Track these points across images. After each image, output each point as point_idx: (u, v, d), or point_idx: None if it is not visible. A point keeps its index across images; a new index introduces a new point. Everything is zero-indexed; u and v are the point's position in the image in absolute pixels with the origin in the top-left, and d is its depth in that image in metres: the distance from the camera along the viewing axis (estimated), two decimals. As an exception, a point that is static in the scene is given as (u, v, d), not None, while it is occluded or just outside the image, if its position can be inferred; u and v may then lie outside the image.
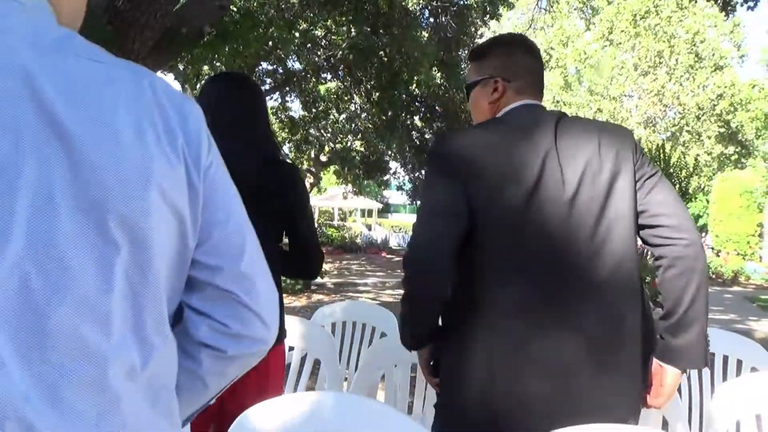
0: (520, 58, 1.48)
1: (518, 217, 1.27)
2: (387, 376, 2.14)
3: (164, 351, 0.62)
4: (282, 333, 1.77)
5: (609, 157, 1.30)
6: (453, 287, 1.32)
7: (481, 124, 1.49)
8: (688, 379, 2.66)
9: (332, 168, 23.46)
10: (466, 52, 14.59)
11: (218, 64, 5.27)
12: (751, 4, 7.97)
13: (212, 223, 0.67)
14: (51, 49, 0.59)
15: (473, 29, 12.83)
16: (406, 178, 18.32)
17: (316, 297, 9.41)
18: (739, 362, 2.62)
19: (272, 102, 15.21)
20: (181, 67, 5.40)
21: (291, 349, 2.34)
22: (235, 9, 4.94)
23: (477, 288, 1.30)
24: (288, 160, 2.00)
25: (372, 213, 36.94)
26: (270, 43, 7.74)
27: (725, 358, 2.66)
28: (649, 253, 1.44)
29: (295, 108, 16.92)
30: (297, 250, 1.80)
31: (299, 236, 1.79)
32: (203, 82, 1.85)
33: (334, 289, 10.92)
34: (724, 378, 2.64)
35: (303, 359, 2.37)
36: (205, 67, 6.20)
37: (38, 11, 0.62)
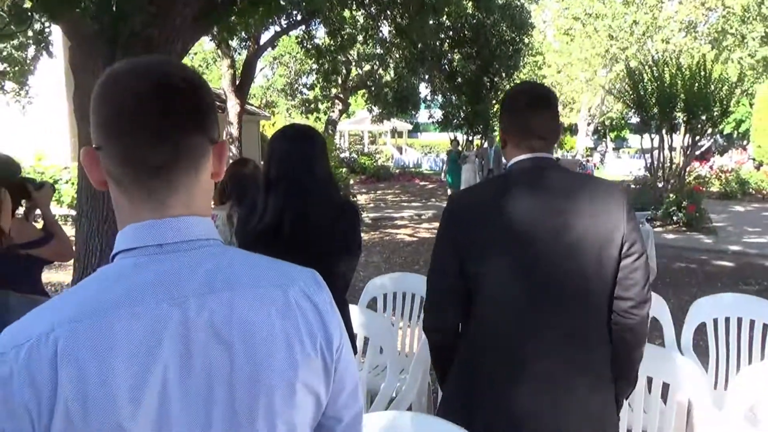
0: (521, 113, 1.57)
1: (504, 272, 1.47)
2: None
3: None
4: (353, 349, 2.05)
5: (599, 221, 1.44)
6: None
7: (489, 180, 1.76)
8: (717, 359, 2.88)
9: (361, 92, 23.30)
10: (496, -27, 13.96)
11: (251, 24, 5.32)
12: None
13: (340, 390, 0.88)
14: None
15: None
16: (437, 104, 18.14)
17: (355, 235, 9.73)
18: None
19: (297, 31, 15.02)
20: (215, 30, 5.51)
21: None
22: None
23: (475, 324, 1.54)
24: (347, 200, 2.17)
25: (402, 134, 36.67)
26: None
27: (752, 323, 2.87)
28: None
29: (321, 35, 16.65)
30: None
31: (352, 271, 2.06)
32: (273, 135, 2.01)
33: (373, 225, 11.24)
34: (751, 342, 2.85)
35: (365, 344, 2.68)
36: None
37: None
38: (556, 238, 1.44)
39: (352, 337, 2.05)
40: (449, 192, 14.13)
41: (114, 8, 3.87)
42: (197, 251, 0.77)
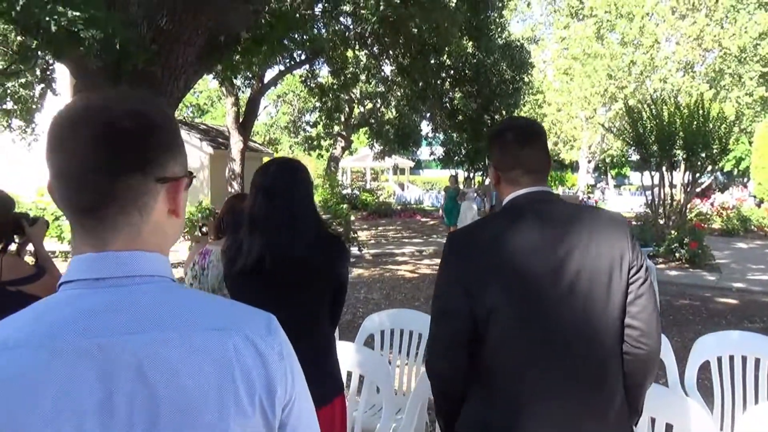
0: (511, 149, 1.55)
1: (511, 311, 1.42)
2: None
3: None
4: (340, 385, 1.99)
5: (604, 250, 1.42)
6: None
7: (488, 217, 1.70)
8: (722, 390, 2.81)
9: (363, 130, 23.56)
10: (495, 14, 14.29)
11: (255, 63, 5.41)
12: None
13: None
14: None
15: (502, -11, 12.51)
16: (438, 141, 18.31)
17: (356, 271, 9.69)
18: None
19: (301, 70, 15.29)
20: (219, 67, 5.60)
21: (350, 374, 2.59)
22: (267, 12, 5.03)
23: (483, 366, 1.47)
24: (333, 233, 2.14)
25: (404, 171, 36.93)
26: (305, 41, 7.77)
27: (757, 361, 2.80)
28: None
29: (324, 74, 16.93)
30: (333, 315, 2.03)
31: (339, 306, 2.03)
32: (257, 170, 2.00)
33: (373, 261, 11.19)
34: (757, 381, 2.78)
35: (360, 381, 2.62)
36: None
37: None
38: (563, 272, 1.41)
39: (338, 378, 1.99)
40: (448, 230, 14.12)
41: (117, 46, 3.94)
42: (137, 287, 0.74)
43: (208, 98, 29.94)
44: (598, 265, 1.41)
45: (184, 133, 17.59)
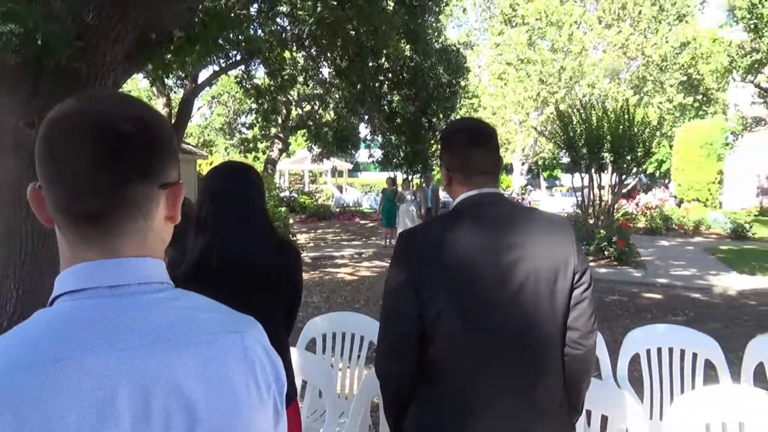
0: (461, 150, 1.56)
1: (458, 312, 1.43)
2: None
3: None
4: (294, 390, 1.95)
5: (551, 253, 1.45)
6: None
7: (438, 218, 1.75)
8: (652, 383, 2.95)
9: (301, 132, 23.32)
10: (432, 18, 14.49)
11: (188, 62, 5.24)
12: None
13: None
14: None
15: (438, -6, 12.70)
16: (377, 144, 18.36)
17: (295, 274, 9.57)
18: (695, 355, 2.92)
19: (236, 71, 14.97)
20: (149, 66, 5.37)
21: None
22: (201, 11, 4.88)
23: (431, 366, 1.48)
24: (286, 239, 2.09)
25: (342, 173, 36.85)
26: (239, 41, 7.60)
27: (682, 352, 2.96)
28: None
29: (260, 75, 16.65)
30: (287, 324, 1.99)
31: (293, 313, 1.99)
32: (206, 173, 1.93)
33: (313, 265, 11.08)
34: (682, 371, 2.94)
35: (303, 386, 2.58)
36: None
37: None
38: (510, 273, 1.42)
39: (292, 384, 1.95)
40: (385, 232, 14.13)
41: (39, 42, 3.71)
42: (151, 295, 0.73)
43: (138, 98, 28.85)
44: (544, 268, 1.43)
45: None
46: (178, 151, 0.82)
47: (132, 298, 0.71)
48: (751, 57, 15.03)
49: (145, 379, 0.66)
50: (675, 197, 24.27)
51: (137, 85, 27.05)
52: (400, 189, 13.53)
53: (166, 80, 11.67)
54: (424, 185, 14.80)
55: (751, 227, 15.54)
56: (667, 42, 25.51)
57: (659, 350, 2.97)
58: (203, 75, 14.47)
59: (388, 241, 13.86)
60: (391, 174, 18.02)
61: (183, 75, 12.58)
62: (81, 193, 0.70)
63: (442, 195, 14.52)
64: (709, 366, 2.87)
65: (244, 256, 1.75)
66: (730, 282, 9.31)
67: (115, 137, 0.70)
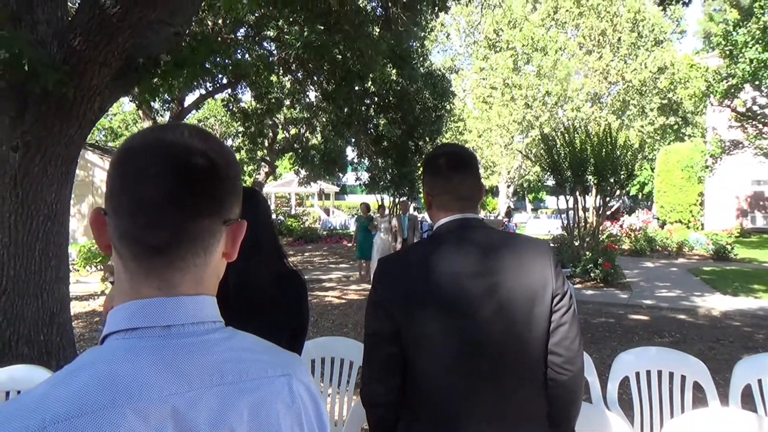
0: (442, 174, 1.57)
1: (438, 335, 1.43)
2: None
3: None
4: None
5: (527, 278, 1.45)
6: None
7: (417, 242, 1.71)
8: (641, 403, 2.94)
9: (288, 155, 23.33)
10: (417, 44, 14.71)
11: (175, 86, 5.23)
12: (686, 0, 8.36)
13: None
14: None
15: (423, 20, 12.91)
16: (364, 167, 18.44)
17: (282, 298, 9.47)
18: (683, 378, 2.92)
19: (223, 94, 15.02)
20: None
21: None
22: (189, 36, 4.91)
23: (413, 389, 1.47)
24: (293, 269, 2.03)
25: (329, 196, 36.85)
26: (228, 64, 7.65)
27: (671, 375, 2.96)
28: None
29: (247, 99, 16.70)
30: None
31: (298, 343, 1.93)
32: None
33: (299, 288, 10.98)
34: (671, 393, 2.94)
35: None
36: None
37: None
38: (487, 298, 1.42)
39: None
40: (359, 264, 12.57)
41: (25, 67, 3.70)
42: (207, 336, 0.72)
43: (123, 121, 28.69)
44: (520, 293, 1.43)
45: (96, 159, 16.73)
46: (241, 187, 0.82)
47: (184, 340, 0.70)
48: (727, 82, 15.39)
49: (196, 423, 0.66)
50: (658, 219, 24.56)
51: (121, 109, 26.94)
52: (375, 215, 12.70)
53: (152, 104, 11.65)
54: (400, 212, 13.57)
55: (732, 248, 15.74)
56: (645, 67, 26.10)
57: (648, 373, 2.97)
58: (190, 98, 14.52)
59: (362, 272, 12.35)
60: (378, 197, 18.06)
61: (169, 98, 12.58)
62: (150, 224, 0.69)
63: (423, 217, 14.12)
64: (697, 388, 2.88)
65: (259, 282, 1.72)
66: (714, 303, 9.38)
67: (192, 172, 0.70)
